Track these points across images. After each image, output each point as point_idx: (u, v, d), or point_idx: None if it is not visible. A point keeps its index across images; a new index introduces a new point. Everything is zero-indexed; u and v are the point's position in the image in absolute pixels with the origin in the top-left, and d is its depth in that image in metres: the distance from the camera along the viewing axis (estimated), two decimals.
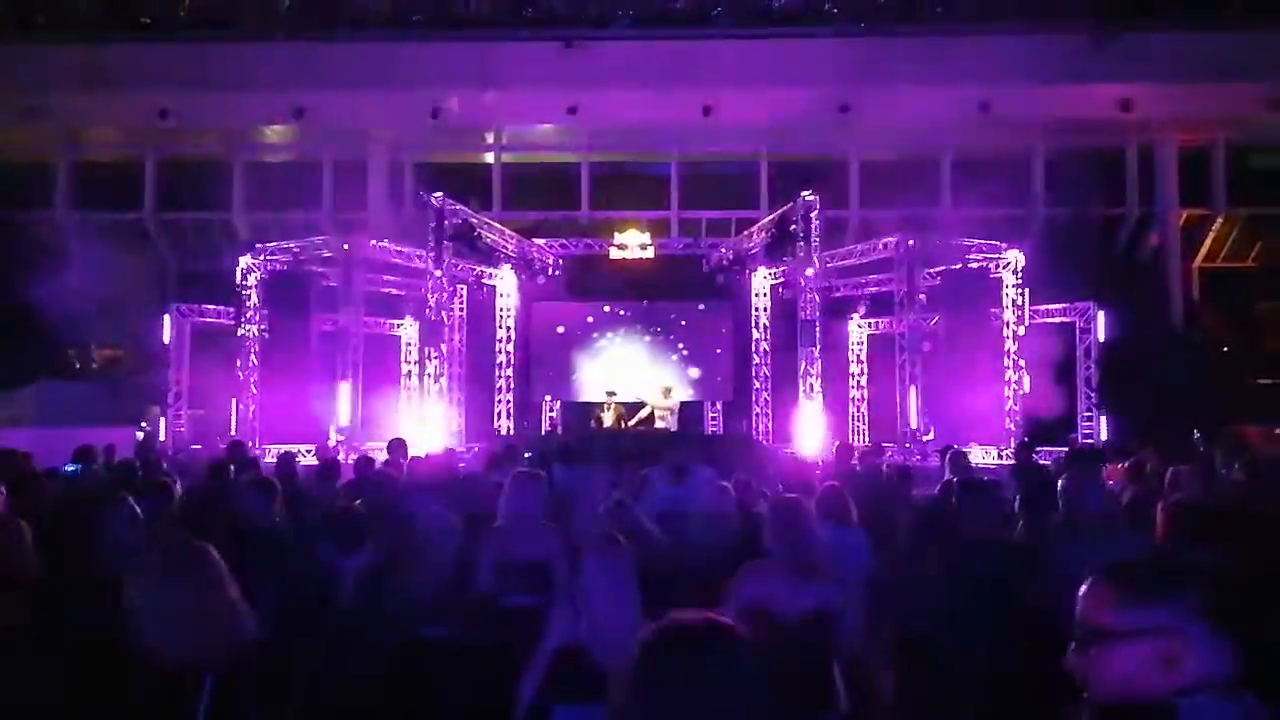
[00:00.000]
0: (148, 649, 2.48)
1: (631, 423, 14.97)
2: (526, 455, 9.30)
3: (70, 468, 8.66)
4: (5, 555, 3.48)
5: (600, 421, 14.94)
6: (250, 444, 12.61)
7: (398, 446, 8.12)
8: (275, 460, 8.61)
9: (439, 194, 14.80)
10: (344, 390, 14.78)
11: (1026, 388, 15.33)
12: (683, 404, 16.85)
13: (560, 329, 18.19)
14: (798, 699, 3.77)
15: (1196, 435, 13.11)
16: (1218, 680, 1.68)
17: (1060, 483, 4.59)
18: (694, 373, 18.04)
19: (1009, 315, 15.58)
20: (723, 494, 5.46)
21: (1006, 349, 15.54)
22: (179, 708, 2.48)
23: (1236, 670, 1.71)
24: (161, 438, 15.24)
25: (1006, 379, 15.45)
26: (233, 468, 7.40)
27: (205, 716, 2.51)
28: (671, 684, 1.66)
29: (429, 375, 14.94)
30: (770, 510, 4.05)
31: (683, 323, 18.20)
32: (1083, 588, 1.84)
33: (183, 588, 2.54)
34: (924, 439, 14.53)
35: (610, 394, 15.48)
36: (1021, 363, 15.39)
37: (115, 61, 18.39)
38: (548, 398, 18.19)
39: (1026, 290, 15.52)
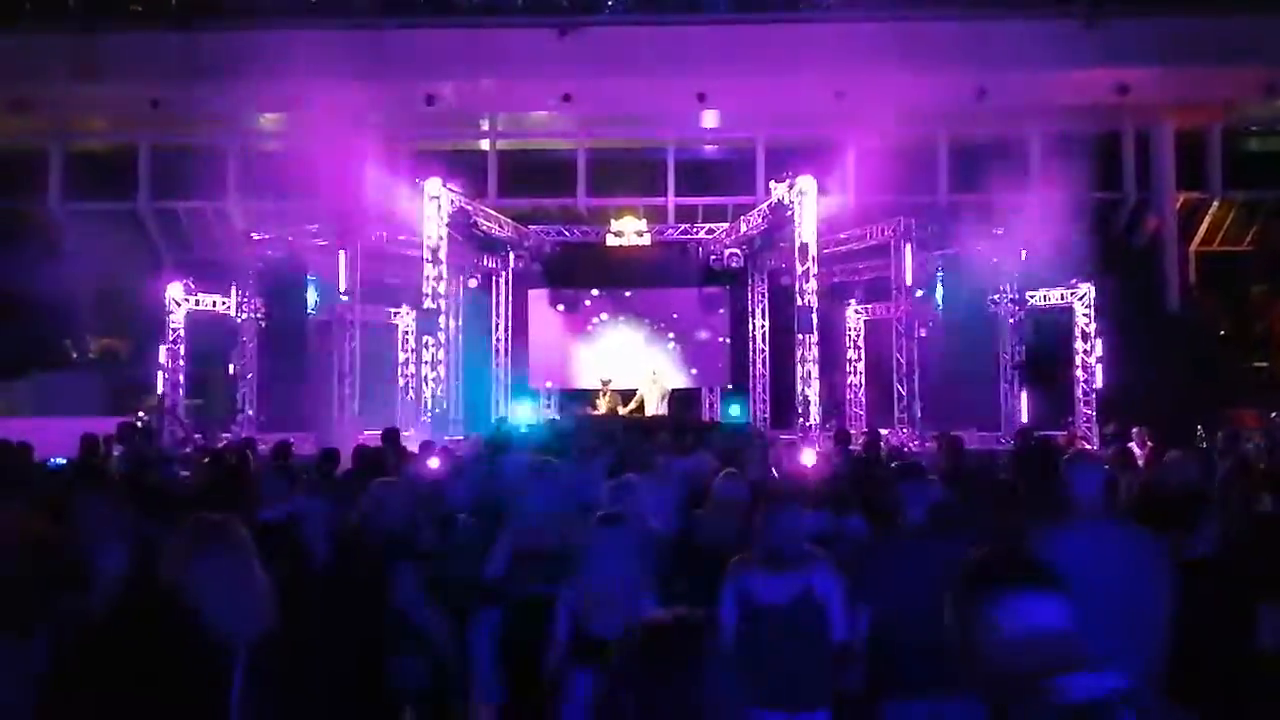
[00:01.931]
0: (183, 620, 2.53)
1: (624, 410, 14.97)
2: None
3: (56, 461, 8.65)
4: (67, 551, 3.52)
5: (595, 408, 14.95)
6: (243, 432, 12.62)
7: (392, 437, 8.12)
8: (271, 448, 8.64)
9: (435, 181, 14.76)
10: (340, 377, 14.77)
11: (1023, 373, 15.36)
12: (680, 390, 16.85)
13: (557, 316, 18.18)
14: (786, 690, 3.81)
15: (1200, 431, 13.14)
16: (1087, 658, 1.76)
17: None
18: (690, 360, 18.04)
19: (1006, 301, 15.59)
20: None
21: (1003, 334, 15.56)
22: (218, 678, 2.57)
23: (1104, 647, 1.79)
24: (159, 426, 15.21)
25: (1003, 365, 15.47)
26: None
27: (239, 688, 2.62)
28: (644, 684, 1.70)
29: (426, 363, 14.93)
30: (755, 501, 4.08)
31: (679, 309, 18.20)
32: None
33: (218, 561, 2.63)
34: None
35: (605, 381, 15.49)
36: (1019, 349, 15.42)
37: (106, 50, 18.28)
38: (548, 384, 18.20)
39: (1023, 276, 15.53)
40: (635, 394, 15.31)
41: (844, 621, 3.89)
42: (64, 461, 8.62)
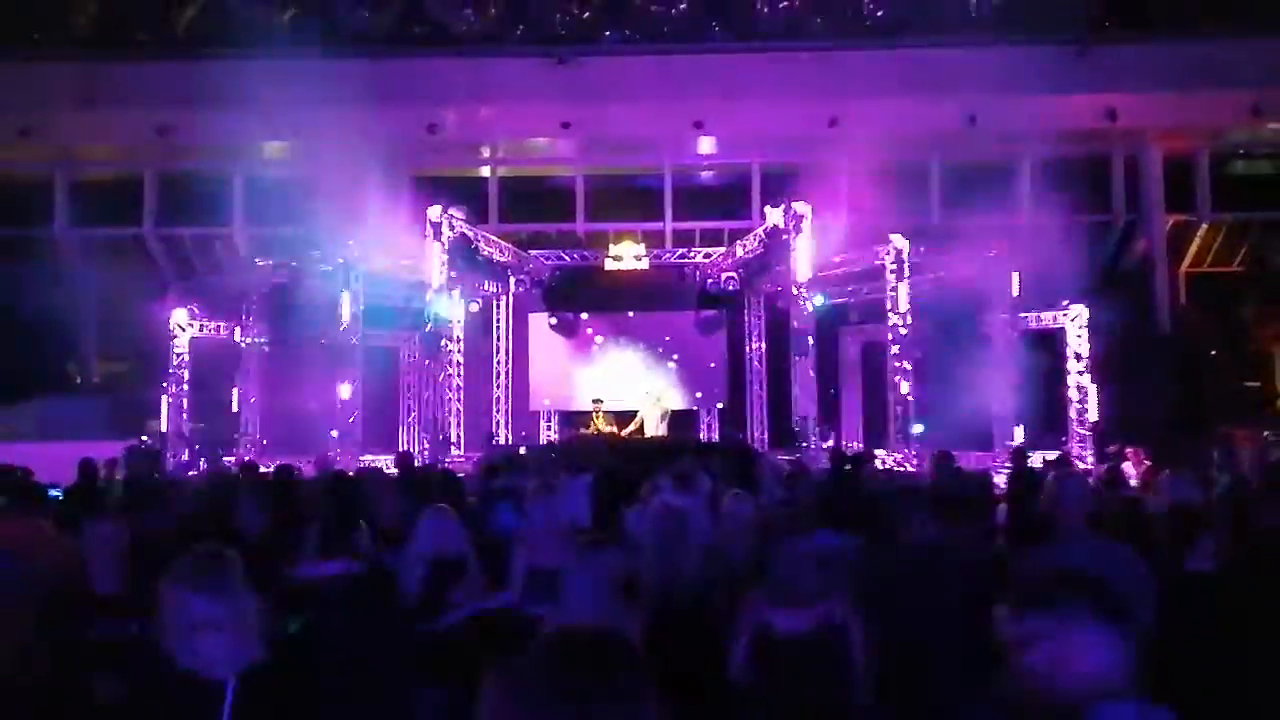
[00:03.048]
0: (174, 656, 2.58)
1: (624, 432, 15.17)
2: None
3: (54, 493, 8.76)
4: (67, 572, 3.66)
5: (592, 430, 15.13)
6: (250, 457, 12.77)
7: (405, 460, 8.30)
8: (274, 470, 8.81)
9: (436, 207, 14.99)
10: (344, 402, 14.92)
11: (1017, 394, 15.51)
12: (678, 412, 17.04)
13: (556, 339, 18.37)
14: None
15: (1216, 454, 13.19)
16: (1115, 684, 1.76)
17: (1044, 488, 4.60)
18: (688, 382, 18.22)
19: (999, 323, 15.78)
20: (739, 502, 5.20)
21: (996, 356, 15.73)
22: (204, 714, 2.57)
23: (1135, 673, 1.79)
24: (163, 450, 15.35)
25: (997, 385, 15.63)
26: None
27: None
28: (550, 695, 1.50)
29: (427, 386, 15.09)
30: (769, 527, 4.05)
31: (676, 332, 18.39)
32: None
33: (208, 596, 2.62)
34: (914, 439, 14.72)
35: (597, 401, 15.70)
36: (1012, 370, 15.58)
37: (112, 80, 18.58)
38: (547, 401, 18.36)
39: (1015, 298, 15.73)
40: (635, 415, 15.52)
41: (861, 649, 3.79)
42: (59, 493, 8.74)
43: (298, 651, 3.10)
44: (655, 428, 15.49)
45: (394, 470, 8.69)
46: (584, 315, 18.30)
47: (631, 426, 15.31)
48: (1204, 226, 21.15)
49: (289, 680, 2.77)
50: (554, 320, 18.25)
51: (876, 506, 4.67)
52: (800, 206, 15.15)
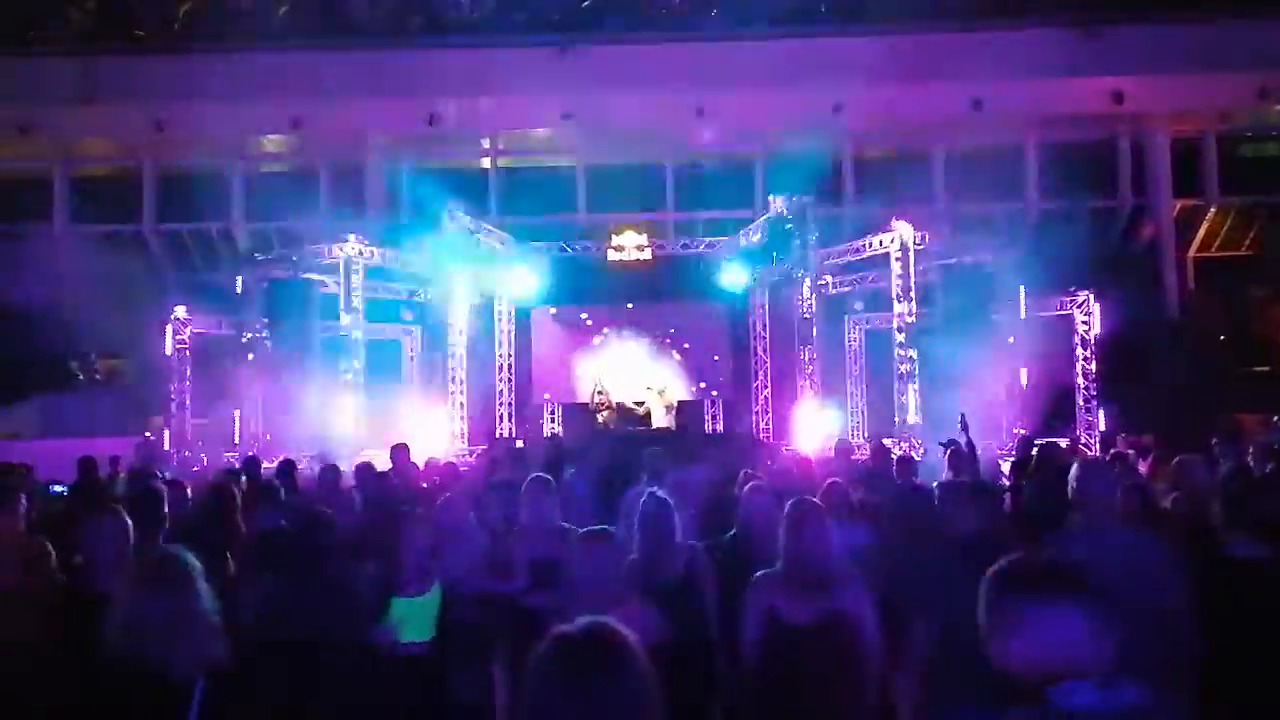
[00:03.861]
0: (135, 659, 2.56)
1: (629, 421, 15.10)
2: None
3: (56, 489, 8.70)
4: (29, 571, 3.59)
5: (600, 421, 15.08)
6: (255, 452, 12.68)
7: (401, 451, 8.21)
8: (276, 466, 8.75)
9: (437, 199, 14.90)
10: (346, 396, 14.85)
11: (1025, 382, 15.39)
12: (682, 403, 16.96)
13: (558, 331, 18.28)
14: (816, 716, 3.76)
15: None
16: (1090, 669, 1.79)
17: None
18: (692, 373, 18.12)
19: (1005, 309, 15.64)
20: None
21: (1003, 343, 15.61)
22: (171, 714, 2.56)
23: (1113, 659, 1.82)
24: (166, 447, 15.29)
25: (1004, 373, 15.51)
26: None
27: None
28: (560, 693, 1.67)
29: (430, 380, 15.02)
30: (785, 514, 3.98)
31: (680, 323, 18.28)
32: None
33: (163, 599, 2.62)
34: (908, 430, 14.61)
35: (599, 392, 15.62)
36: (1019, 357, 15.46)
37: (110, 75, 18.48)
38: (546, 395, 18.27)
39: (1022, 284, 15.59)
40: (643, 406, 15.45)
41: (877, 642, 3.79)
42: (62, 489, 8.70)
43: None
44: (662, 419, 15.40)
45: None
46: (595, 308, 18.19)
47: (638, 414, 15.25)
48: (1212, 210, 20.98)
49: (253, 680, 2.84)
50: (555, 312, 18.15)
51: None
52: (803, 196, 15.04)
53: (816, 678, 3.66)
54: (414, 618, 4.25)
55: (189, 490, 6.14)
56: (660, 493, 4.59)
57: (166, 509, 4.81)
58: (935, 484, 5.54)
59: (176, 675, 2.58)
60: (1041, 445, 8.60)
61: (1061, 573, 1.92)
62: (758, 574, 3.89)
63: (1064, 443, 13.28)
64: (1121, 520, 4.35)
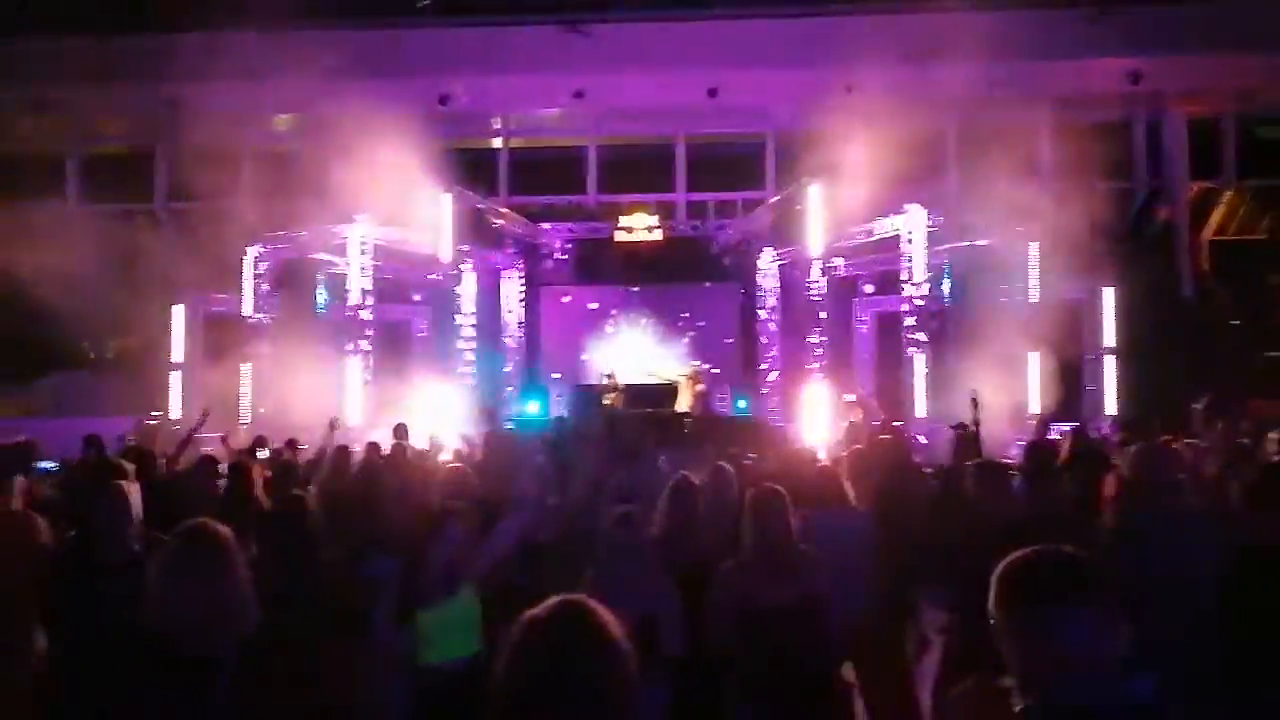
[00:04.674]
0: (165, 633, 2.57)
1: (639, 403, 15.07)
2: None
3: (46, 465, 8.74)
4: (19, 552, 3.61)
5: (607, 403, 15.08)
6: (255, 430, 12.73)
7: (401, 431, 8.23)
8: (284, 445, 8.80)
9: (447, 180, 14.89)
10: (354, 376, 14.91)
11: (1038, 365, 15.33)
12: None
13: (568, 312, 18.28)
14: (794, 692, 3.83)
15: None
16: (1101, 665, 1.79)
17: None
18: (701, 355, 18.10)
19: (1017, 293, 15.57)
20: None
21: (1015, 327, 15.53)
22: (196, 690, 2.56)
23: (1126, 655, 1.82)
24: (175, 426, 15.38)
25: (1015, 358, 15.44)
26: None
27: (225, 697, 2.60)
28: (536, 672, 1.69)
29: (439, 360, 15.05)
30: (747, 503, 4.08)
31: (690, 304, 18.25)
32: None
33: (197, 573, 2.63)
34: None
35: (608, 375, 15.63)
36: (1031, 341, 15.38)
37: (122, 53, 18.47)
38: (556, 375, 18.29)
39: (1035, 268, 15.50)
40: (672, 386, 15.49)
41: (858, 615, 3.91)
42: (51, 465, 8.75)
43: None
44: (685, 403, 15.38)
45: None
46: (606, 288, 18.18)
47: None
48: (1228, 193, 20.75)
49: (282, 652, 2.79)
50: (565, 293, 18.15)
51: None
52: (815, 179, 14.95)
53: (792, 660, 3.74)
54: (447, 629, 3.87)
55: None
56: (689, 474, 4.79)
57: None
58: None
59: (210, 647, 2.60)
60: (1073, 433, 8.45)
61: (1077, 570, 1.90)
62: (725, 563, 3.95)
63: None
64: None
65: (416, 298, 17.61)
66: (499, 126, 21.08)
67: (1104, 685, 1.77)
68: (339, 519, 5.31)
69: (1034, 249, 15.43)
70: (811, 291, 16.17)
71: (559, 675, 1.67)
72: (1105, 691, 1.77)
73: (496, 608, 4.05)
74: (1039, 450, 7.05)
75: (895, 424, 12.30)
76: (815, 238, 15.59)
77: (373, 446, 8.53)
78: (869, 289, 17.68)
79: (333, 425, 8.35)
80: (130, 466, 5.19)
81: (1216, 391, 14.11)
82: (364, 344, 15.03)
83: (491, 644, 3.63)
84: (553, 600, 1.79)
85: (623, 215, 18.31)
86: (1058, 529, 4.11)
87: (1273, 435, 6.55)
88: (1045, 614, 1.84)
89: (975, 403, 8.16)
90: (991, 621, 1.92)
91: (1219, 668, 3.30)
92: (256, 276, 15.64)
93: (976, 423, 7.97)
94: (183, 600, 2.59)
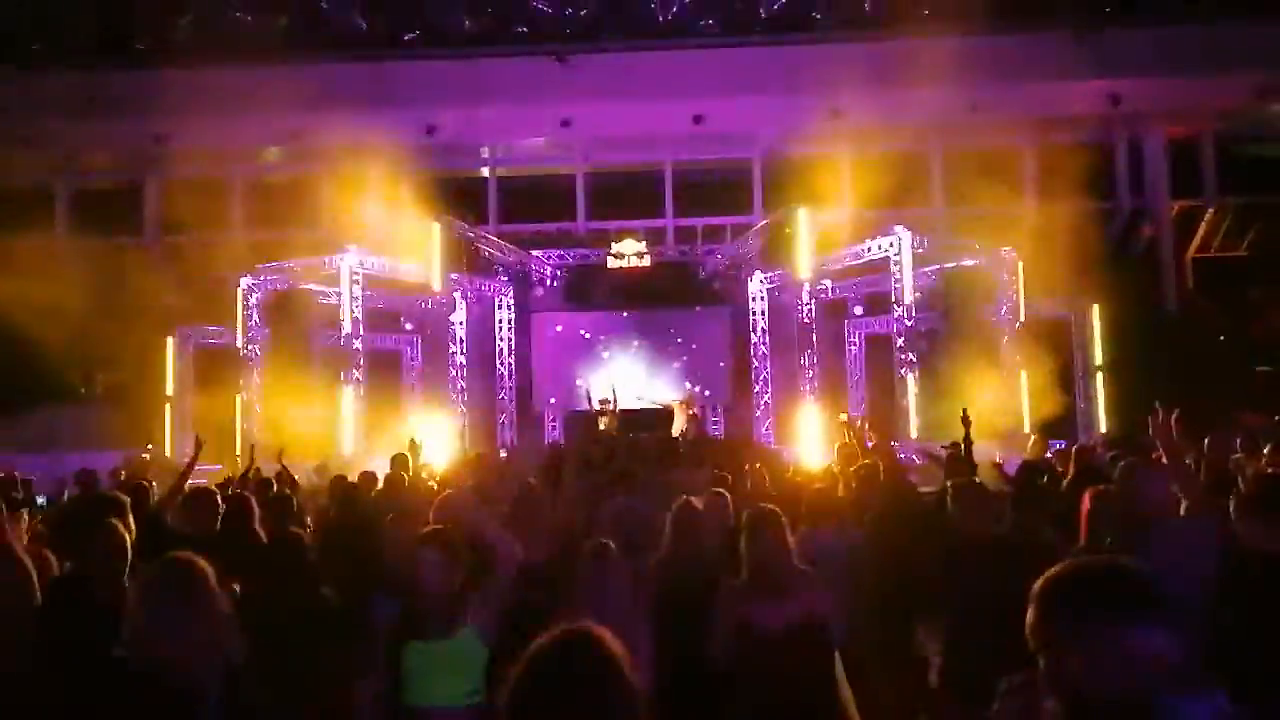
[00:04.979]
0: (149, 666, 2.58)
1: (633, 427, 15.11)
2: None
3: (40, 500, 8.74)
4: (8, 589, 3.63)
5: (602, 428, 15.10)
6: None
7: (401, 463, 8.22)
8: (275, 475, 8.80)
9: (437, 210, 14.97)
10: (347, 405, 14.90)
11: (1025, 385, 15.42)
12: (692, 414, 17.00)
13: (559, 338, 18.33)
14: (792, 714, 3.81)
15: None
16: (1178, 683, 1.74)
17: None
18: (693, 379, 18.16)
19: (1004, 312, 15.68)
20: None
21: (1004, 346, 15.64)
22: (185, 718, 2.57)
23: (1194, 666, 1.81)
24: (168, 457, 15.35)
25: (1005, 377, 15.54)
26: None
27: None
28: (543, 699, 1.69)
29: (431, 388, 15.06)
30: (745, 523, 4.09)
31: (680, 329, 18.33)
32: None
33: (176, 606, 2.63)
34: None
35: (603, 401, 15.66)
36: (1020, 359, 15.49)
37: (111, 88, 18.53)
38: (552, 400, 18.31)
39: (1021, 287, 15.63)
40: (666, 410, 15.52)
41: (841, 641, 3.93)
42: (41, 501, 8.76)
43: None
44: (678, 429, 15.40)
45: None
46: (596, 315, 18.25)
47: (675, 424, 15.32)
48: (1210, 210, 20.98)
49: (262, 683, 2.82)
50: (556, 320, 18.22)
51: None
52: (801, 205, 15.10)
53: (792, 681, 3.73)
54: (439, 667, 3.47)
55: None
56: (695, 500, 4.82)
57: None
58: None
59: (190, 678, 2.60)
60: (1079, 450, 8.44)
61: (1142, 584, 1.81)
62: (725, 584, 3.95)
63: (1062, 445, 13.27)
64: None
65: (408, 326, 17.64)
66: (487, 156, 21.20)
67: (1194, 704, 1.73)
68: (337, 554, 5.33)
69: (1020, 268, 15.56)
70: (801, 314, 16.26)
71: (566, 703, 1.67)
72: (1208, 708, 1.73)
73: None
74: (1028, 469, 7.08)
75: (889, 444, 12.33)
76: (804, 261, 15.71)
77: (367, 477, 8.52)
78: (858, 310, 17.79)
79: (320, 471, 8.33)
80: (126, 500, 5.19)
81: (1191, 406, 14.23)
82: (356, 373, 15.03)
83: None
84: (559, 629, 1.79)
85: (613, 241, 18.41)
86: (1038, 549, 4.18)
87: (1266, 448, 6.61)
88: (1115, 631, 1.75)
89: (966, 421, 8.15)
90: (1041, 638, 1.83)
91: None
92: (248, 308, 15.63)
93: (968, 442, 7.98)
94: (159, 631, 2.60)
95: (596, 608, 3.62)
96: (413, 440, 7.74)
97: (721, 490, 5.70)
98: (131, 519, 4.77)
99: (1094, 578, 1.84)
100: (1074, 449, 8.22)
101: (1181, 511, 4.20)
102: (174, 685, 2.55)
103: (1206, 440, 6.61)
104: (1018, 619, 1.87)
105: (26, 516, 5.05)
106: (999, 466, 6.35)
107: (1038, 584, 1.86)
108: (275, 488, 7.85)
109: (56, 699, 3.29)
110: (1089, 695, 1.74)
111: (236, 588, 3.75)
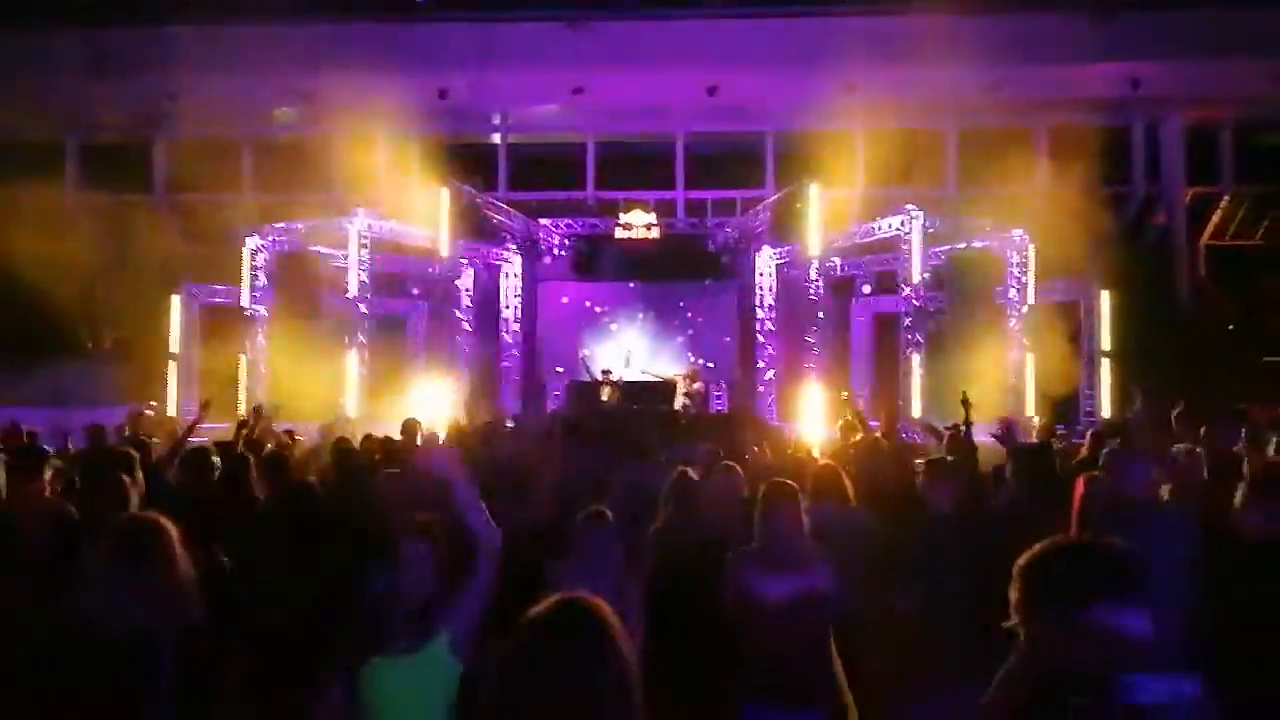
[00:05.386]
0: (99, 619, 2.61)
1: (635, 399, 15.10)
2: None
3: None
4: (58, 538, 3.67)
5: (604, 398, 15.11)
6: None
7: (412, 427, 8.24)
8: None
9: (446, 175, 14.89)
10: (352, 369, 14.91)
11: (1033, 368, 15.37)
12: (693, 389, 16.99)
13: (566, 308, 18.30)
14: (784, 687, 3.86)
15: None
16: (1153, 663, 1.79)
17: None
18: (699, 353, 18.13)
19: (1014, 295, 15.61)
20: None
21: (1012, 329, 15.58)
22: (134, 675, 2.60)
23: (1166, 646, 1.84)
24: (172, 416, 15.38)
25: (1012, 359, 15.49)
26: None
27: (168, 682, 2.66)
28: (531, 669, 1.70)
29: (437, 354, 15.06)
30: (761, 495, 4.12)
31: (688, 302, 18.28)
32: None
33: (131, 564, 2.68)
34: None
35: (605, 372, 15.65)
36: (1028, 343, 15.43)
37: (121, 46, 18.44)
38: (559, 369, 18.30)
39: (1032, 270, 15.54)
40: (669, 383, 15.54)
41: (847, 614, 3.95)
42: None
43: None
44: (679, 401, 15.41)
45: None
46: (603, 285, 18.20)
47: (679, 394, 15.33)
48: (1226, 198, 20.82)
49: (221, 637, 2.85)
50: (563, 289, 18.18)
51: None
52: (813, 180, 15.00)
53: (788, 651, 3.77)
54: (405, 694, 2.75)
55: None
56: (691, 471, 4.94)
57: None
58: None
59: (142, 635, 2.62)
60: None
61: (1119, 565, 1.88)
62: (733, 551, 3.98)
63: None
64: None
65: (415, 291, 17.60)
66: (498, 122, 21.08)
67: (1155, 683, 1.76)
68: (334, 515, 5.30)
69: (1031, 251, 15.46)
70: (809, 291, 16.20)
71: (561, 672, 1.69)
72: (1166, 689, 1.76)
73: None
74: (1028, 449, 7.05)
75: (893, 422, 12.30)
76: (813, 237, 15.62)
77: (370, 440, 8.50)
78: (866, 289, 17.71)
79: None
80: (136, 455, 5.22)
81: (1199, 396, 14.16)
82: (361, 337, 15.03)
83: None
84: (555, 598, 1.80)
85: (621, 212, 18.33)
86: (1019, 523, 4.21)
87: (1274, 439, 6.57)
88: (1088, 610, 1.82)
89: (966, 404, 8.13)
90: (1021, 613, 1.89)
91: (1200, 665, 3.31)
92: (254, 267, 15.61)
93: (969, 424, 7.96)
94: (112, 588, 2.63)
95: (587, 571, 3.67)
96: (410, 420, 7.78)
97: (732, 464, 5.68)
98: (140, 474, 4.81)
99: (1072, 557, 1.91)
100: (1090, 432, 8.22)
101: (1165, 497, 4.23)
102: (124, 641, 2.58)
103: (1203, 430, 6.55)
104: (986, 589, 1.92)
105: (51, 467, 5.06)
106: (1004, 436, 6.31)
107: (1020, 561, 1.94)
108: (270, 446, 7.86)
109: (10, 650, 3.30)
110: (1059, 667, 1.81)
111: (226, 560, 3.70)
